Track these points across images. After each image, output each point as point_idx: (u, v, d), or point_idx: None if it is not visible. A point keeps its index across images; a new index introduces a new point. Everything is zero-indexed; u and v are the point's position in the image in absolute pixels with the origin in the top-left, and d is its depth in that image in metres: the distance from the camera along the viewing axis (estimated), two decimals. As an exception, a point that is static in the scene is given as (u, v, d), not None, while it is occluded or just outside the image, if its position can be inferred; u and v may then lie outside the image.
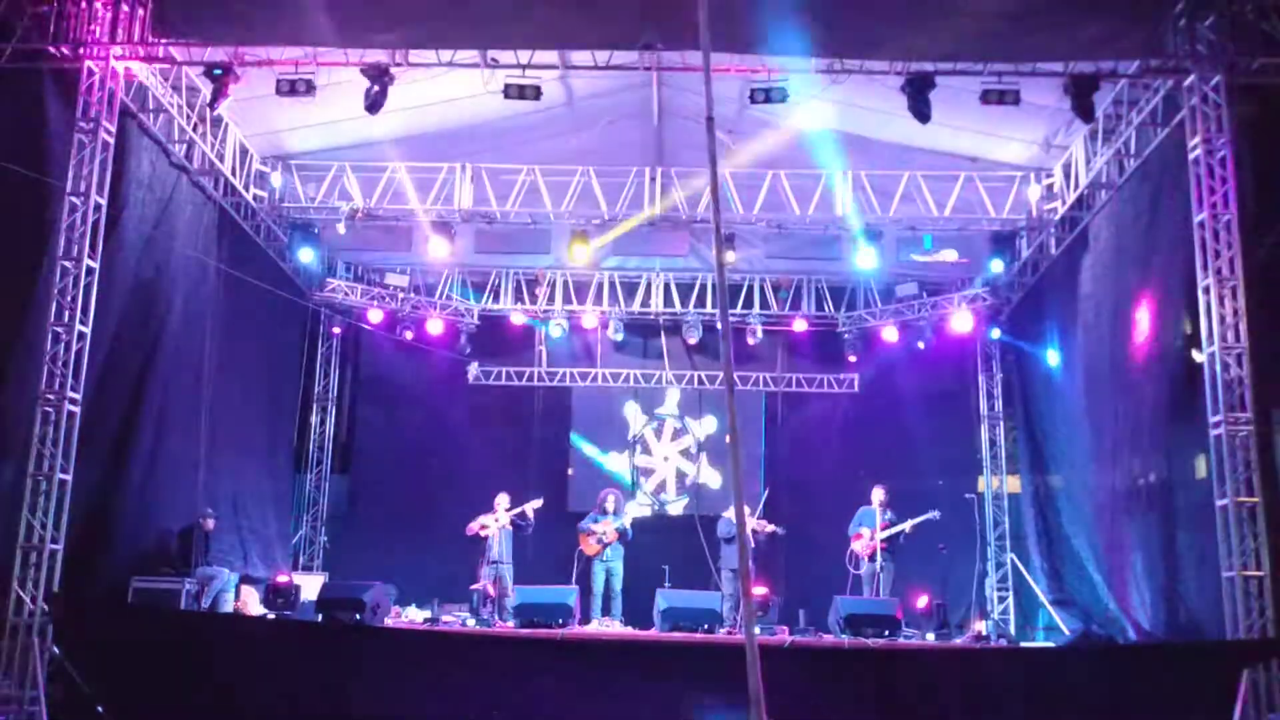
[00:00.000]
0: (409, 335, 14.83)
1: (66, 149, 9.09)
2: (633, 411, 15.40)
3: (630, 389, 15.37)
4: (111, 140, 9.31)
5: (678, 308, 14.91)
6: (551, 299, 14.90)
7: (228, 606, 10.57)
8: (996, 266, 12.61)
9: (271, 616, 10.46)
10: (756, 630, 4.91)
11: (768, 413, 15.36)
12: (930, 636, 10.74)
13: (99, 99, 9.21)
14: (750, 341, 14.79)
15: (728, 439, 13.60)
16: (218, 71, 9.58)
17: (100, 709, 8.13)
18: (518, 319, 15.02)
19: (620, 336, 15.09)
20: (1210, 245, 8.83)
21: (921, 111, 9.51)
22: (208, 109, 10.30)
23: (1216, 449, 8.58)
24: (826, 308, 14.89)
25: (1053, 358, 12.47)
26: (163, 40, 9.42)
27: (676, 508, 15.03)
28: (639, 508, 14.53)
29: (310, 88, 9.68)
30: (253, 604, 10.97)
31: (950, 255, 12.10)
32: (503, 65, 9.77)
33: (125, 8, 9.31)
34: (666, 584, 11.41)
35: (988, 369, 14.75)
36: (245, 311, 12.05)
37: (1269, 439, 8.57)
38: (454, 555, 12.46)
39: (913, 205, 11.80)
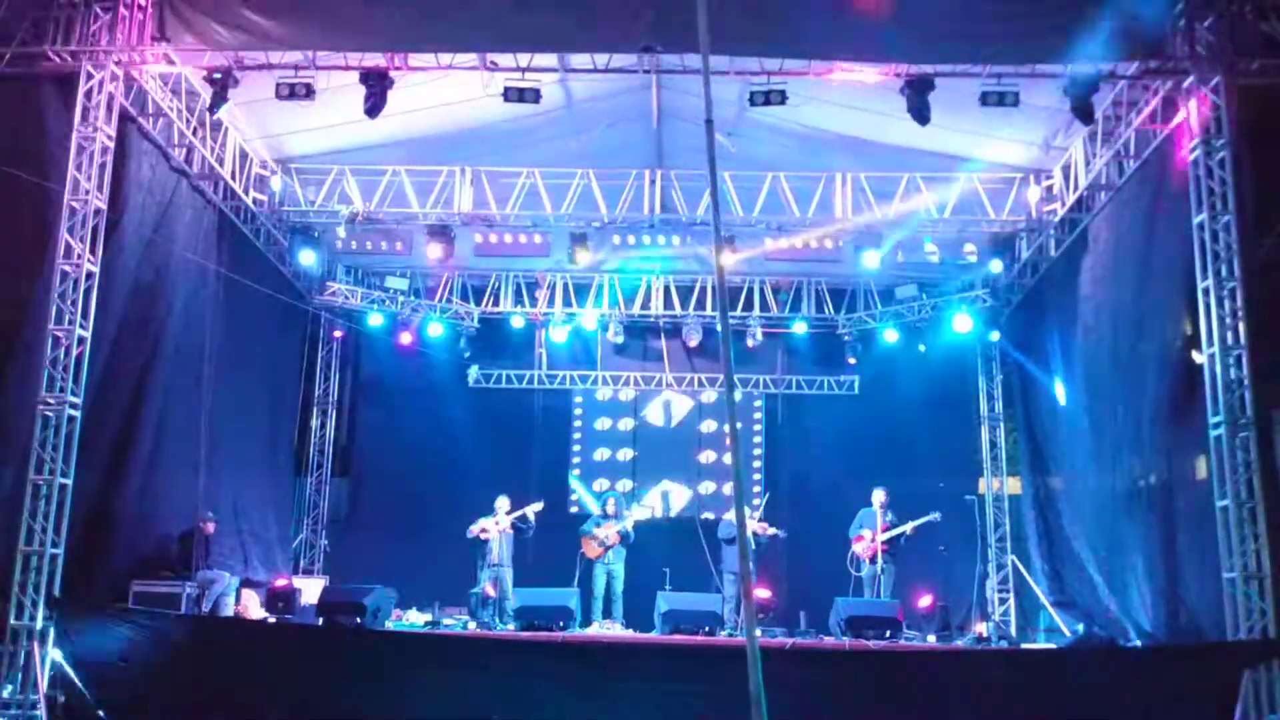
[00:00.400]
0: (409, 338, 14.83)
1: (66, 153, 9.10)
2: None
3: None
4: (111, 144, 9.32)
5: (678, 310, 14.92)
6: (551, 302, 14.91)
7: (228, 610, 10.56)
8: (996, 267, 12.63)
9: (272, 620, 10.45)
10: (758, 632, 4.91)
11: (768, 415, 15.38)
12: (931, 638, 10.74)
13: (98, 103, 9.22)
14: (750, 344, 14.78)
15: (728, 441, 13.60)
16: (217, 76, 9.59)
17: (101, 714, 8.14)
18: (518, 322, 15.03)
19: (620, 339, 15.09)
20: (1210, 246, 8.83)
21: (921, 113, 9.51)
22: (207, 113, 10.32)
23: (1217, 450, 8.58)
24: (826, 309, 14.90)
25: (1053, 359, 12.46)
26: (162, 45, 9.42)
27: (677, 509, 15.03)
28: (640, 510, 14.52)
29: (310, 92, 9.68)
30: (253, 608, 10.98)
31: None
32: (502, 68, 9.78)
33: (125, 12, 9.32)
34: (668, 587, 11.42)
35: (988, 370, 14.74)
36: (245, 315, 12.03)
37: (1269, 440, 8.55)
38: (454, 558, 12.42)
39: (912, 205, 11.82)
